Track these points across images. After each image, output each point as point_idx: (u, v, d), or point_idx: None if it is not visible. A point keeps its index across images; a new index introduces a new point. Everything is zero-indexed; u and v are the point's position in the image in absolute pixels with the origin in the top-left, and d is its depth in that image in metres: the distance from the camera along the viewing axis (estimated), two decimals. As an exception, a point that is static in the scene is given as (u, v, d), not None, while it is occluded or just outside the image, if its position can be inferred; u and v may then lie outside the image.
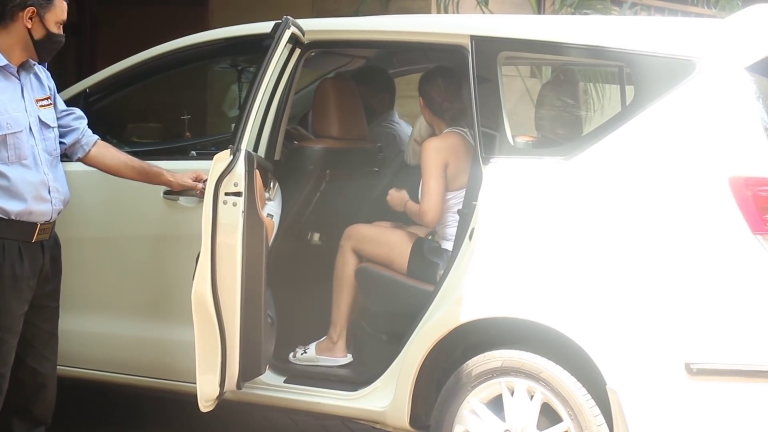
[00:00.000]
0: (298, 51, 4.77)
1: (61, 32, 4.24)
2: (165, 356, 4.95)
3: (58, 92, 4.49)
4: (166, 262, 4.97)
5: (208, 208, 4.30)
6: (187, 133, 6.55)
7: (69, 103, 4.60)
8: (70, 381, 4.90)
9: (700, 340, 3.98)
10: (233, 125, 4.69)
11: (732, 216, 3.93)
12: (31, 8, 4.14)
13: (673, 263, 4.01)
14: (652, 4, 10.86)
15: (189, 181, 4.59)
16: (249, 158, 4.36)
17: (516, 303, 4.24)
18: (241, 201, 4.31)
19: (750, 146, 4.00)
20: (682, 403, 3.99)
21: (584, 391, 4.15)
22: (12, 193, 4.12)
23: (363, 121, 5.42)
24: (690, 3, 10.13)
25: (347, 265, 4.95)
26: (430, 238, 4.95)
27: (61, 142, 4.36)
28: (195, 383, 4.39)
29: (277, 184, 4.84)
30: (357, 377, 4.77)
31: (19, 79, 4.21)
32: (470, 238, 4.35)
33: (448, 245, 4.73)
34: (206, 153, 5.17)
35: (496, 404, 4.30)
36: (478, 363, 4.30)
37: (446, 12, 8.43)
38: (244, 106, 4.44)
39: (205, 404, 4.42)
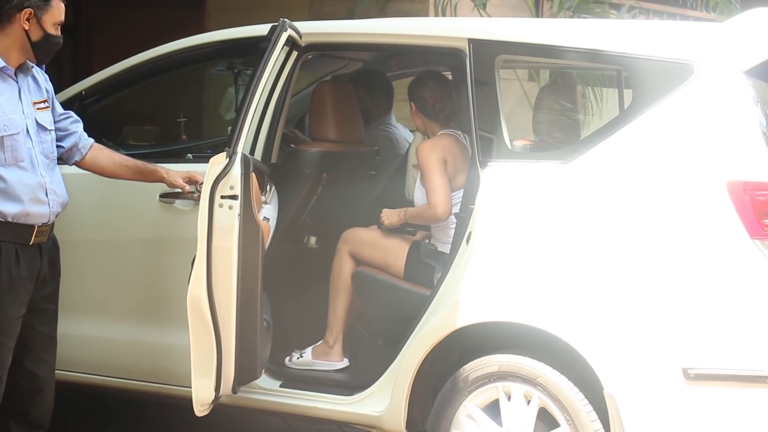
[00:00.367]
0: (294, 54, 4.76)
1: (59, 34, 4.24)
2: (160, 360, 4.94)
3: (54, 95, 4.47)
4: (161, 265, 4.96)
5: (204, 212, 4.30)
6: (184, 136, 6.54)
7: (65, 105, 4.59)
8: (66, 385, 4.88)
9: (698, 345, 3.97)
10: (230, 128, 4.68)
11: (730, 220, 3.93)
12: (29, 10, 4.13)
13: (670, 268, 4.01)
14: (651, 8, 10.87)
15: (179, 181, 4.56)
16: (245, 161, 4.35)
17: (513, 307, 4.23)
18: (237, 204, 4.30)
19: (748, 150, 4.00)
20: (679, 408, 3.99)
21: (581, 396, 4.15)
22: (8, 195, 4.11)
23: (360, 125, 5.41)
24: (688, 6, 10.15)
25: (344, 268, 4.94)
26: (427, 241, 4.93)
27: (59, 146, 4.36)
28: (190, 387, 4.38)
29: (273, 187, 4.82)
30: (353, 381, 4.76)
31: (17, 81, 4.20)
32: (467, 241, 4.34)
33: (445, 248, 4.72)
34: (202, 156, 5.17)
35: (493, 409, 4.30)
36: (474, 367, 4.30)
37: (444, 15, 8.43)
38: (241, 109, 4.43)
39: (201, 408, 4.41)
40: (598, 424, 4.12)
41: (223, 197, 4.30)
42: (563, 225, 4.18)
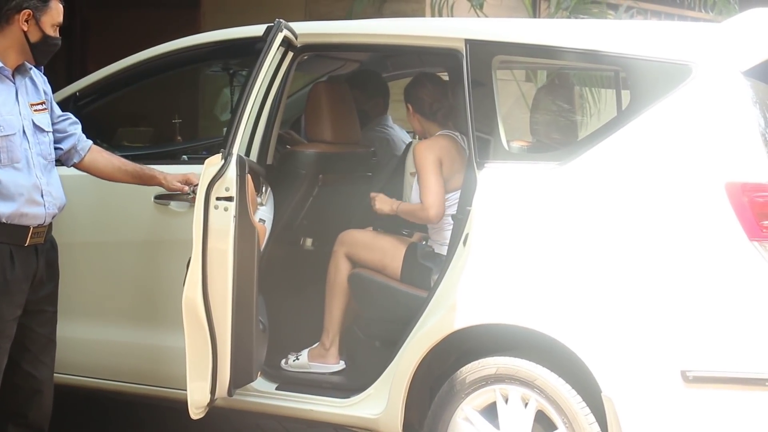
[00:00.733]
0: (290, 54, 4.75)
1: (57, 35, 4.25)
2: (156, 363, 4.93)
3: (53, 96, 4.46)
4: (156, 267, 4.95)
5: (199, 213, 4.28)
6: (179, 137, 6.52)
7: (59, 106, 4.57)
8: (61, 388, 4.86)
9: (696, 347, 3.96)
10: (225, 129, 4.66)
11: (728, 222, 3.92)
12: (27, 11, 4.13)
13: (668, 269, 4.00)
14: (649, 8, 10.87)
15: (177, 184, 4.56)
16: (241, 163, 4.34)
17: (511, 309, 4.22)
18: (232, 206, 4.28)
19: (747, 151, 3.99)
20: (677, 411, 3.98)
21: (579, 398, 4.14)
22: (2, 196, 4.10)
23: (356, 126, 5.39)
24: (686, 7, 10.14)
25: (340, 270, 4.93)
26: (423, 243, 4.92)
27: (57, 148, 4.36)
28: (186, 390, 4.36)
29: (269, 188, 4.81)
30: (350, 384, 4.75)
31: (14, 83, 4.20)
32: (464, 243, 4.33)
33: (442, 250, 4.71)
34: (197, 157, 5.15)
35: (490, 412, 4.29)
36: (472, 370, 4.28)
37: (440, 15, 8.42)
38: (236, 110, 4.41)
39: (196, 411, 4.40)
40: (596, 427, 4.11)
41: (218, 199, 4.28)
42: (561, 227, 4.17)
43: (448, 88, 4.98)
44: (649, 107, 4.11)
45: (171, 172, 4.69)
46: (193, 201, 4.44)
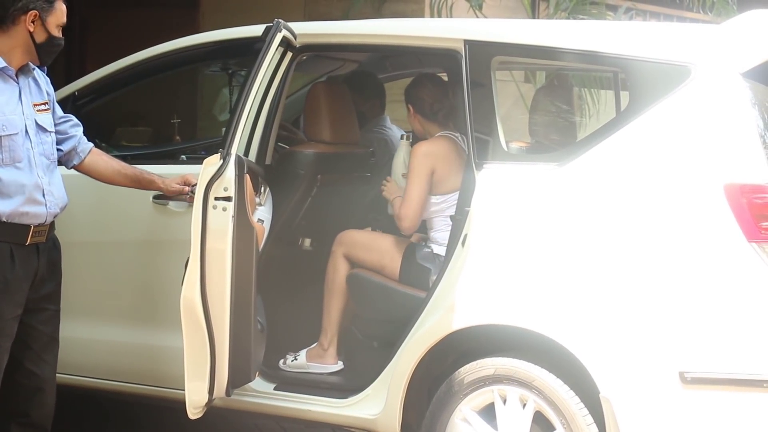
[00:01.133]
0: (289, 54, 4.75)
1: (61, 35, 4.26)
2: (153, 363, 4.92)
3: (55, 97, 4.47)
4: (154, 267, 4.94)
5: (198, 213, 4.28)
6: (177, 137, 6.52)
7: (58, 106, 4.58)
8: (59, 387, 4.84)
9: (695, 348, 3.96)
10: (223, 129, 4.66)
11: (727, 223, 3.92)
12: (34, 12, 4.15)
13: (667, 271, 4.00)
14: (648, 9, 10.87)
15: (176, 187, 4.56)
16: (239, 162, 4.33)
17: (509, 310, 4.22)
18: (231, 206, 4.28)
19: (745, 153, 3.99)
20: (675, 412, 3.98)
21: (577, 399, 4.14)
22: (3, 194, 4.10)
23: (355, 126, 5.39)
24: (686, 8, 10.13)
25: (338, 271, 4.93)
26: (422, 243, 4.92)
27: (57, 149, 4.36)
28: (184, 390, 4.36)
29: (267, 188, 4.81)
30: (348, 384, 4.75)
31: (18, 83, 4.21)
32: (463, 244, 4.32)
33: (441, 250, 4.71)
34: (196, 157, 5.14)
35: (488, 412, 4.28)
36: (470, 371, 4.28)
37: (439, 16, 8.41)
38: (235, 110, 4.41)
39: (194, 411, 4.39)
40: (594, 428, 4.10)
41: (217, 199, 4.28)
42: (559, 227, 4.16)
43: (448, 89, 4.99)
44: (648, 108, 4.11)
45: (169, 172, 4.70)
46: (191, 201, 4.44)
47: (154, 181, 4.56)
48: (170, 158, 5.44)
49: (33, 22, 4.14)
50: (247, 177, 4.41)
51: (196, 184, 4.36)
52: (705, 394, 3.94)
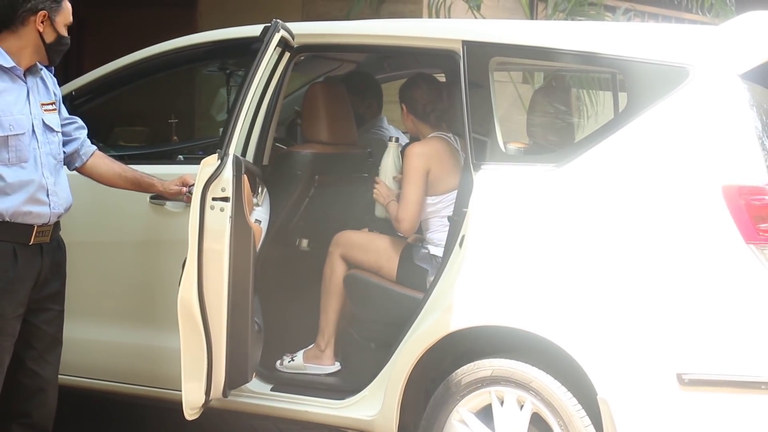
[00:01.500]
0: (287, 55, 4.74)
1: (67, 34, 4.27)
2: (150, 363, 4.92)
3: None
4: (152, 267, 4.94)
5: (195, 214, 4.27)
6: (175, 137, 6.52)
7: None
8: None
9: (692, 350, 3.96)
10: (221, 129, 4.65)
11: (725, 225, 3.91)
12: (43, 12, 4.16)
13: (665, 272, 3.99)
14: (646, 10, 10.87)
15: (175, 188, 4.56)
16: (237, 163, 4.33)
17: (507, 311, 4.22)
18: (228, 206, 4.27)
19: (743, 154, 3.98)
20: (673, 414, 3.98)
21: (575, 401, 4.13)
22: (7, 194, 4.11)
23: (353, 127, 5.39)
24: (684, 9, 10.12)
25: (335, 271, 4.92)
26: (419, 244, 4.91)
27: None
28: (180, 390, 4.35)
29: (265, 189, 4.80)
30: (345, 385, 4.74)
31: (26, 83, 4.22)
32: (460, 245, 4.32)
33: (438, 251, 4.70)
34: (193, 157, 5.13)
35: (486, 414, 4.28)
36: (467, 372, 4.27)
37: (438, 16, 8.41)
38: (233, 110, 4.41)
39: (191, 412, 4.39)
40: (592, 430, 4.10)
41: (214, 199, 4.27)
42: (557, 229, 4.16)
43: (443, 90, 4.98)
44: (647, 110, 4.11)
45: (167, 172, 4.69)
46: (188, 201, 4.43)
47: (154, 184, 4.57)
48: (168, 158, 5.44)
49: (42, 22, 4.16)
50: (245, 177, 4.41)
51: (193, 185, 4.36)
52: (702, 395, 3.93)
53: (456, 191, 4.67)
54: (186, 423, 4.47)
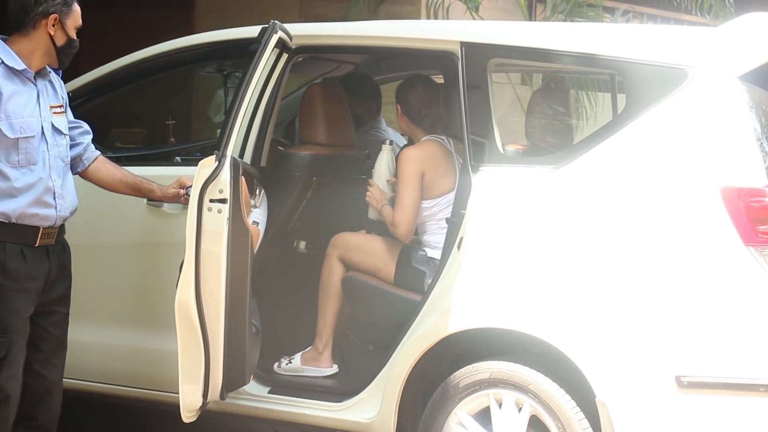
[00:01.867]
0: (285, 56, 4.74)
1: (77, 37, 4.28)
2: (147, 366, 4.91)
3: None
4: (149, 269, 4.93)
5: (193, 215, 4.26)
6: (172, 139, 6.51)
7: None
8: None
9: (691, 352, 3.96)
10: (219, 131, 4.64)
11: (724, 227, 3.91)
12: (55, 15, 4.18)
13: (664, 274, 3.99)
14: (645, 12, 10.86)
15: (172, 192, 4.56)
16: (234, 164, 4.32)
17: (505, 314, 4.21)
18: (226, 208, 4.26)
19: (742, 156, 3.98)
20: (672, 417, 3.98)
21: (573, 403, 4.13)
22: (14, 195, 4.12)
23: (350, 128, 5.38)
24: (683, 11, 10.11)
25: (333, 273, 4.91)
26: (417, 246, 4.90)
27: None
28: (178, 393, 4.34)
29: (262, 191, 4.80)
30: (342, 388, 4.74)
31: (36, 85, 4.23)
32: (459, 247, 4.31)
33: (435, 254, 4.69)
34: (191, 159, 5.12)
35: (484, 416, 4.28)
36: (465, 374, 4.27)
37: (436, 18, 8.40)
38: (230, 112, 4.40)
39: (188, 415, 4.38)
40: (590, 432, 4.09)
41: (212, 201, 4.27)
42: (556, 231, 4.15)
43: (440, 94, 4.95)
44: (646, 111, 4.11)
45: (164, 173, 4.69)
46: (186, 203, 4.42)
47: (153, 190, 4.58)
48: (165, 160, 5.43)
49: (53, 25, 4.18)
50: (243, 179, 4.40)
51: (191, 186, 4.36)
52: (701, 398, 3.93)
53: (451, 193, 4.67)
54: (183, 425, 4.46)
